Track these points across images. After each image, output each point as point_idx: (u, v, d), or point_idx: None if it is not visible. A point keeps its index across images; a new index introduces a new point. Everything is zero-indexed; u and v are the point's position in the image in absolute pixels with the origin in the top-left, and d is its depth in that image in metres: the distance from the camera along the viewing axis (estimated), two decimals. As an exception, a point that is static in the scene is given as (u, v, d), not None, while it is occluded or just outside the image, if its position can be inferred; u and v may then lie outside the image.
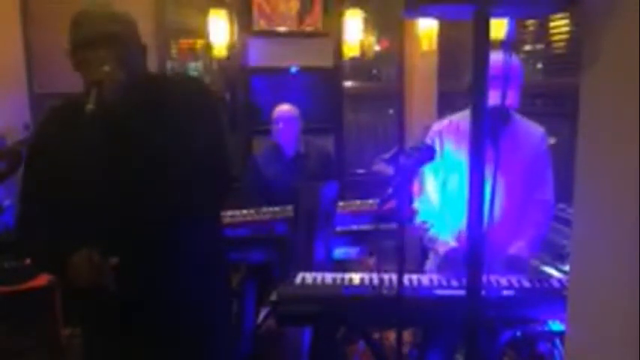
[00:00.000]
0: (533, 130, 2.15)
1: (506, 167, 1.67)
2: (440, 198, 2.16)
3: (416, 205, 2.17)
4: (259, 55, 4.19)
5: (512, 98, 1.98)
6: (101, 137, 1.40)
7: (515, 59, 2.13)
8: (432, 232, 2.12)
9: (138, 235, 1.42)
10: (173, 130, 1.46)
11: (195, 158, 1.46)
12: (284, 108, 3.20)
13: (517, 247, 2.05)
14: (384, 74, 4.74)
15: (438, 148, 2.05)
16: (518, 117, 2.14)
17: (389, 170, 3.45)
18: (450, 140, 2.11)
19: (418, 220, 2.17)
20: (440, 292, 1.78)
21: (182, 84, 1.64)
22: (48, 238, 1.48)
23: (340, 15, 4.22)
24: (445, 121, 2.20)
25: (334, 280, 1.87)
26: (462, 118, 2.13)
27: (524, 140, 2.10)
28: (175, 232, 1.47)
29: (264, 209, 2.80)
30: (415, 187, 2.12)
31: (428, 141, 2.12)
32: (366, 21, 4.27)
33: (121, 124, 1.44)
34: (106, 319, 1.54)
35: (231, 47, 4.09)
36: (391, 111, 4.78)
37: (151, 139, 1.44)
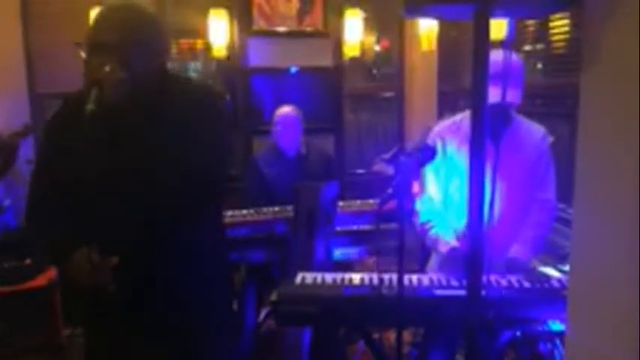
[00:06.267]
0: (534, 130, 2.14)
1: (508, 168, 1.67)
2: (442, 199, 2.16)
3: (417, 205, 2.17)
4: (259, 55, 4.19)
5: (514, 96, 1.98)
6: (101, 137, 1.40)
7: (516, 57, 2.13)
8: (433, 233, 2.12)
9: (137, 235, 1.42)
10: (173, 131, 1.46)
11: (194, 160, 1.46)
12: (285, 110, 3.17)
13: (516, 250, 2.05)
14: (384, 74, 4.74)
15: (439, 149, 2.04)
16: (519, 117, 2.14)
17: (389, 170, 3.44)
18: (452, 141, 2.10)
19: (419, 220, 2.17)
20: (440, 292, 1.78)
21: (188, 87, 1.63)
22: (53, 228, 1.49)
23: (340, 15, 4.22)
24: (446, 123, 2.20)
25: (334, 280, 1.86)
26: (464, 118, 2.13)
27: (526, 140, 2.10)
28: (174, 232, 1.47)
29: (264, 209, 2.80)
30: (416, 188, 2.12)
31: (429, 142, 2.11)
32: (366, 21, 4.27)
33: (120, 125, 1.44)
34: (106, 319, 1.54)
35: (231, 47, 4.09)
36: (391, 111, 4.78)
37: (151, 139, 1.44)
